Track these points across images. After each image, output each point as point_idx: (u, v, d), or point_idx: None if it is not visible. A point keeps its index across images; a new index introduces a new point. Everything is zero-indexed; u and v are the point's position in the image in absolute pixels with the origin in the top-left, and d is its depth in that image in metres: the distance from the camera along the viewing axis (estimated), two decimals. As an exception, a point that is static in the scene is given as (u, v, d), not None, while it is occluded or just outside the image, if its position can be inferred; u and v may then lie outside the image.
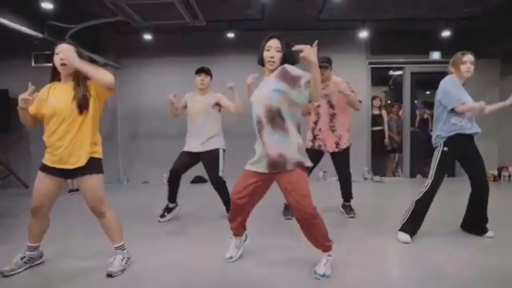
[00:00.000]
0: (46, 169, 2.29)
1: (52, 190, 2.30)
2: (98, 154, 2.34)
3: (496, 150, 6.30)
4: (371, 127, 6.48)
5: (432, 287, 2.15)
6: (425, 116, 6.95)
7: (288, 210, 3.66)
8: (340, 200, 3.88)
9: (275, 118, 2.12)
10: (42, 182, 2.29)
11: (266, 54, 2.18)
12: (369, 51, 6.31)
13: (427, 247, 2.77)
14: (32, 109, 2.23)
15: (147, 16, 4.40)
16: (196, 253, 2.74)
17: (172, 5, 3.91)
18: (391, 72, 7.69)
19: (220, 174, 3.47)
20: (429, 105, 7.51)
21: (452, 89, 2.84)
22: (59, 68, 2.20)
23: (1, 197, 3.93)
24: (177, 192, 3.64)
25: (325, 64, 3.48)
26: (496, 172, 6.08)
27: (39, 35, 4.29)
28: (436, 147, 2.97)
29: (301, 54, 1.97)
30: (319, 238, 2.22)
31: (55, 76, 2.31)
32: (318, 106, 3.54)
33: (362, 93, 6.37)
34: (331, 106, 3.55)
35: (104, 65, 6.01)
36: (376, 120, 6.49)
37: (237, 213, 2.43)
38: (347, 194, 3.78)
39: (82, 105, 2.17)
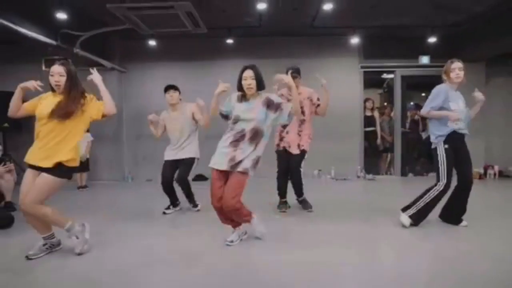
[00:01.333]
0: (30, 166, 2.56)
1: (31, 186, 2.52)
2: (69, 164, 2.56)
3: (482, 149, 6.62)
4: (364, 128, 6.80)
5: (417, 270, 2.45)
6: (416, 117, 7.25)
7: (282, 204, 4.00)
8: (331, 195, 4.17)
9: (257, 136, 2.71)
10: (24, 179, 2.56)
11: (244, 83, 2.71)
12: (361, 56, 6.64)
13: (416, 235, 3.07)
14: (28, 104, 2.59)
15: (152, 25, 4.72)
16: (196, 241, 3.04)
17: (176, 16, 4.24)
18: (385, 75, 8.01)
19: (188, 177, 3.93)
20: (420, 107, 7.82)
21: (432, 97, 3.16)
22: (54, 87, 2.57)
23: (15, 193, 4.25)
24: (176, 194, 4.03)
25: (294, 74, 3.68)
26: (482, 171, 6.40)
27: (53, 42, 4.64)
28: (436, 146, 3.20)
29: (283, 81, 2.73)
30: (236, 219, 2.81)
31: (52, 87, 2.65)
32: None
33: (355, 96, 6.74)
34: (303, 112, 3.76)
35: (111, 69, 6.36)
36: (368, 121, 6.81)
37: (222, 213, 2.81)
38: (298, 190, 3.99)
39: (63, 116, 2.50)
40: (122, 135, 6.85)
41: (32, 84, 2.52)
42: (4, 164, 4.04)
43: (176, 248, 2.89)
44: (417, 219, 3.22)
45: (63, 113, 2.50)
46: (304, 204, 4.01)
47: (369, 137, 6.80)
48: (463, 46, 6.16)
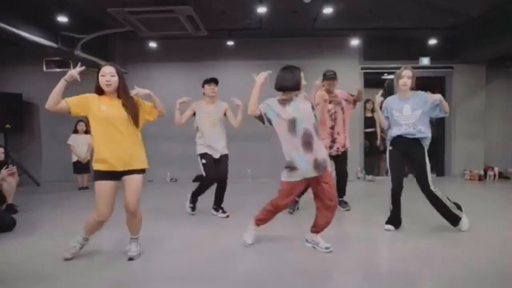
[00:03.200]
0: (102, 175, 2.54)
1: (113, 193, 2.64)
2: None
3: (482, 151, 6.62)
4: (364, 129, 6.82)
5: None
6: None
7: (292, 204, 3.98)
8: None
9: (317, 129, 2.77)
10: (106, 189, 2.58)
11: (303, 83, 2.76)
12: (362, 57, 6.64)
13: (415, 237, 3.11)
14: (72, 103, 2.50)
15: (153, 28, 4.74)
16: (199, 237, 3.09)
17: (176, 19, 4.26)
18: (386, 76, 8.00)
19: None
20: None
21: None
22: (104, 87, 2.53)
23: (16, 194, 4.30)
24: None
25: (334, 76, 3.99)
26: (482, 172, 6.40)
27: (54, 45, 4.65)
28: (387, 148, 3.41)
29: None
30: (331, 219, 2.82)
31: (99, 90, 2.59)
32: (335, 112, 3.96)
33: (355, 97, 6.74)
34: (343, 112, 4.02)
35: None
36: (368, 122, 6.82)
37: (274, 214, 2.91)
38: (342, 190, 4.12)
39: (135, 118, 2.60)
40: (123, 136, 6.87)
41: (75, 72, 2.43)
42: (7, 167, 4.07)
43: (179, 244, 2.94)
44: (389, 219, 3.32)
45: (135, 114, 2.59)
46: (345, 204, 4.15)
47: (369, 138, 6.82)
48: (464, 47, 6.17)
